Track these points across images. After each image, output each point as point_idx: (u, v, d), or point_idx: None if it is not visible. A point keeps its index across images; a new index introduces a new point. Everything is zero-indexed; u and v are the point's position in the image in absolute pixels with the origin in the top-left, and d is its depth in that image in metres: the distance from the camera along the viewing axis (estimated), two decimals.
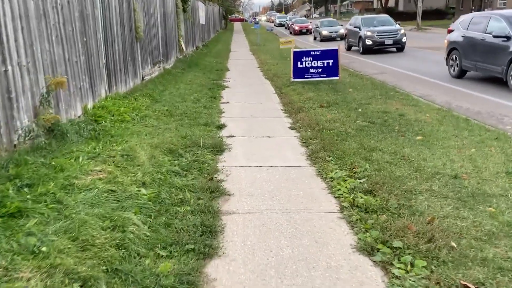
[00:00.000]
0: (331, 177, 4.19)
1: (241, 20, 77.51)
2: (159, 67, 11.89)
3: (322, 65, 11.04)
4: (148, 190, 3.61)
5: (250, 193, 3.88)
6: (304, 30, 38.09)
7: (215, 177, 4.19)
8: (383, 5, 63.57)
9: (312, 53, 11.08)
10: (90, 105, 6.53)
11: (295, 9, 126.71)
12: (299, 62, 11.06)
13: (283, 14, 79.30)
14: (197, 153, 4.83)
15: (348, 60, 16.81)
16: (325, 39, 28.13)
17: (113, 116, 6.46)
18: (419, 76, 12.29)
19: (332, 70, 11.07)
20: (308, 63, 11.04)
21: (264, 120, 7.04)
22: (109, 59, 7.64)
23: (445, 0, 63.25)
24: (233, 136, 5.90)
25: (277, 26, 57.73)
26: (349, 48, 21.41)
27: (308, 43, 26.99)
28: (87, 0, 6.53)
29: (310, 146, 5.33)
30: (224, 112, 7.57)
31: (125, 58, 8.61)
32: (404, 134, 5.87)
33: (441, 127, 6.31)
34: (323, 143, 5.35)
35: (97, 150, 4.54)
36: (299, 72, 11.08)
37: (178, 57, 15.23)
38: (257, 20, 64.01)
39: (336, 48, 11.10)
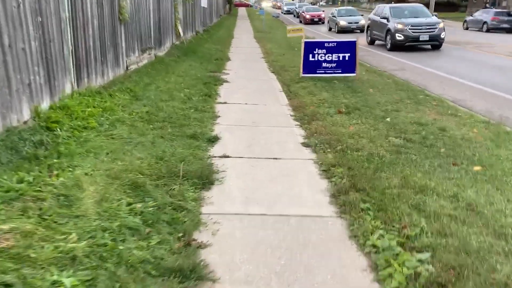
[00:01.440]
0: (373, 245, 2.72)
1: (246, 6, 75.34)
2: (149, 54, 10.34)
3: (337, 59, 9.51)
4: (76, 277, 2.14)
5: (247, 278, 2.41)
6: (316, 19, 34.06)
7: (195, 240, 2.72)
8: None
9: (326, 44, 9.52)
10: (45, 105, 5.03)
11: None
12: (310, 55, 9.52)
13: (290, 0, 75.25)
14: (173, 189, 3.36)
15: (364, 53, 15.23)
16: (343, 30, 24.77)
17: (74, 120, 4.97)
18: (444, 75, 10.74)
19: (349, 66, 9.54)
20: (321, 56, 9.50)
21: (269, 131, 5.55)
22: (79, 46, 6.11)
23: None
24: (228, 157, 4.41)
25: (284, 13, 54.25)
26: (371, 42, 18.52)
27: (320, 34, 24.48)
28: None
29: (334, 179, 3.85)
30: (219, 116, 6.07)
31: (102, 44, 7.08)
32: (456, 162, 4.39)
33: (500, 151, 4.83)
34: (351, 174, 3.87)
35: (23, 184, 3.07)
36: (311, 66, 9.55)
37: (174, 43, 13.64)
38: (262, 6, 60.00)
39: (354, 40, 9.54)
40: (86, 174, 3.37)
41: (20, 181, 3.12)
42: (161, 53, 11.61)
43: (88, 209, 2.80)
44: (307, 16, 34.53)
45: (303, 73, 9.57)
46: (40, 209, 2.74)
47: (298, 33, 18.70)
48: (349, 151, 4.54)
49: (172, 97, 6.87)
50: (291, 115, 6.44)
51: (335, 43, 9.53)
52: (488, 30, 27.80)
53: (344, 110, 6.56)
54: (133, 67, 8.90)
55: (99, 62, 6.94)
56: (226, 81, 8.89)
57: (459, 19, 41.83)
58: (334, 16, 26.41)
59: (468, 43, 18.98)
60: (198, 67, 10.55)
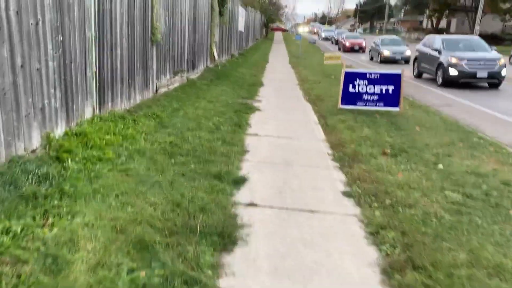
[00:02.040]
0: None
1: (283, 30, 75.88)
2: (181, 76, 9.98)
3: (379, 91, 8.82)
4: None
5: None
6: (356, 48, 32.03)
7: None
8: (434, 25, 60.20)
9: (368, 76, 8.86)
10: (59, 131, 4.59)
11: (338, 23, 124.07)
12: (350, 85, 8.87)
13: (328, 26, 73.74)
14: (187, 251, 2.74)
15: (409, 86, 14.47)
16: (386, 60, 23.04)
17: (90, 149, 4.50)
18: (498, 115, 9.81)
19: (392, 99, 8.83)
20: (362, 88, 8.84)
21: (303, 172, 4.90)
22: (104, 67, 5.72)
23: (502, 25, 59.14)
24: (255, 205, 3.78)
25: (321, 40, 52.48)
26: (419, 75, 16.77)
27: (360, 64, 23.18)
28: None
29: (384, 246, 3.13)
30: (248, 151, 5.48)
31: (131, 66, 6.70)
32: None
33: None
34: (406, 242, 3.15)
35: (7, 237, 2.54)
36: (350, 98, 8.90)
37: (207, 65, 13.33)
38: (298, 31, 58.92)
39: (399, 72, 8.84)
40: (86, 224, 2.82)
41: (6, 231, 2.60)
42: (193, 76, 11.27)
43: (77, 279, 2.22)
44: (347, 44, 32.59)
45: (341, 104, 8.93)
46: (18, 276, 2.18)
47: (335, 60, 18.18)
48: (400, 208, 3.81)
49: (200, 126, 6.36)
50: (328, 153, 5.77)
51: (378, 75, 8.86)
52: None
53: (389, 151, 5.84)
54: (163, 90, 8.52)
55: (126, 84, 6.55)
56: (258, 109, 8.34)
57: (504, 53, 40.27)
58: (377, 45, 24.71)
59: None
60: (230, 92, 10.09)
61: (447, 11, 57.21)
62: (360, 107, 8.89)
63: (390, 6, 74.44)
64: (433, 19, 60.00)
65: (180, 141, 5.40)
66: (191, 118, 6.78)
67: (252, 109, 8.19)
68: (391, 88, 8.82)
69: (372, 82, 8.84)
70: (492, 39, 54.38)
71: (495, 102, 11.46)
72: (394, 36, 27.39)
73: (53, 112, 4.43)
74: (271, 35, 56.74)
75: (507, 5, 47.86)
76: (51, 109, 4.39)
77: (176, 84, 9.50)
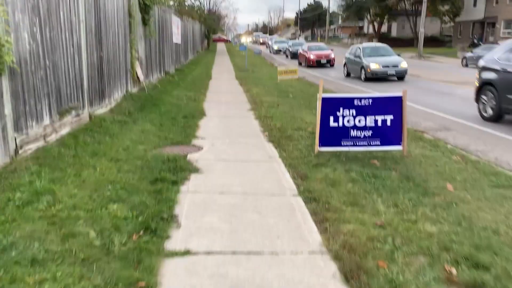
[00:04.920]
0: None
1: (225, 41, 73.15)
2: (76, 115, 6.61)
3: (373, 124, 6.01)
4: None
5: None
6: (323, 61, 25.45)
7: None
8: (377, 30, 60.03)
9: (356, 102, 6.00)
10: None
11: (279, 32, 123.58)
12: (332, 118, 5.98)
13: (280, 37, 65.63)
14: None
15: None
16: (374, 77, 17.43)
17: None
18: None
19: (391, 134, 6.05)
20: (348, 120, 5.98)
21: None
22: None
23: (440, 27, 60.09)
24: None
25: (273, 53, 43.33)
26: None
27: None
28: None
29: None
30: None
31: None
32: None
33: None
34: None
35: None
36: (332, 136, 6.01)
37: (128, 91, 9.96)
38: (241, 41, 52.85)
39: (398, 94, 6.07)
40: None
41: None
42: (103, 109, 7.90)
43: None
44: (311, 57, 25.57)
45: (320, 146, 6.01)
46: None
47: (291, 75, 15.39)
48: None
49: (72, 238, 3.09)
50: (335, 277, 2.74)
51: (370, 100, 6.02)
52: None
53: (454, 272, 2.92)
54: (34, 146, 5.14)
55: None
56: (195, 171, 5.07)
57: (450, 55, 39.95)
58: (358, 57, 18.70)
59: None
60: (154, 134, 6.84)
61: (388, 16, 57.12)
62: (347, 148, 6.02)
63: (330, 13, 73.81)
64: (375, 24, 59.80)
65: None
66: (59, 217, 3.48)
67: (185, 171, 4.95)
68: (389, 118, 6.02)
69: (362, 111, 5.99)
70: (432, 41, 54.99)
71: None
72: (380, 44, 21.31)
73: None
74: (213, 46, 53.61)
75: (446, 7, 48.12)
76: None
77: (66, 130, 6.12)
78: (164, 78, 15.03)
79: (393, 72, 17.68)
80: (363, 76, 18.13)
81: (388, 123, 6.02)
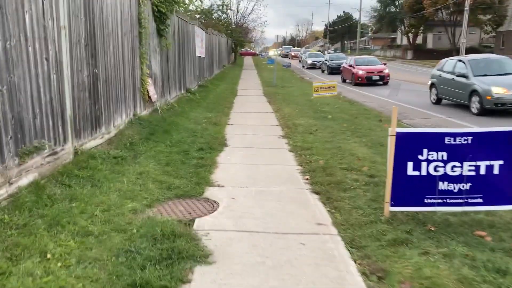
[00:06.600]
0: None
1: (253, 54, 72.02)
2: (52, 153, 4.88)
3: (473, 172, 3.99)
4: None
5: None
6: (375, 78, 20.80)
7: None
8: (411, 41, 57.27)
9: (448, 140, 4.02)
10: None
11: (307, 45, 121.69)
12: (411, 164, 4.02)
13: (315, 50, 58.47)
14: None
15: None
16: (500, 108, 10.88)
17: None
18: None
19: (500, 188, 4.02)
20: (435, 167, 4.00)
21: None
22: None
23: (479, 38, 56.76)
24: None
25: (307, 68, 37.25)
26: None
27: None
28: None
29: None
30: None
31: None
32: None
33: None
34: None
35: None
36: (411, 189, 4.04)
37: (135, 114, 8.27)
38: (269, 55, 49.01)
39: None
40: None
41: None
42: (96, 141, 6.19)
43: None
44: (360, 72, 20.99)
45: (392, 205, 4.04)
46: None
47: (330, 92, 13.35)
48: None
49: None
50: None
51: (469, 137, 4.02)
52: None
53: None
54: None
55: None
56: (203, 259, 3.04)
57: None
58: (462, 76, 12.45)
59: None
60: (154, 179, 5.02)
61: (423, 27, 54.36)
62: (432, 208, 4.03)
63: (361, 24, 71.50)
64: (409, 35, 57.11)
65: None
66: None
67: (187, 261, 2.98)
68: (497, 164, 4.00)
69: (456, 153, 4.01)
70: (471, 52, 51.52)
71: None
72: (493, 56, 14.44)
73: None
74: (240, 60, 52.24)
75: (488, 16, 45.15)
76: None
77: (30, 178, 4.38)
78: (183, 96, 13.37)
79: None
80: (475, 105, 11.58)
81: (496, 170, 4.00)
